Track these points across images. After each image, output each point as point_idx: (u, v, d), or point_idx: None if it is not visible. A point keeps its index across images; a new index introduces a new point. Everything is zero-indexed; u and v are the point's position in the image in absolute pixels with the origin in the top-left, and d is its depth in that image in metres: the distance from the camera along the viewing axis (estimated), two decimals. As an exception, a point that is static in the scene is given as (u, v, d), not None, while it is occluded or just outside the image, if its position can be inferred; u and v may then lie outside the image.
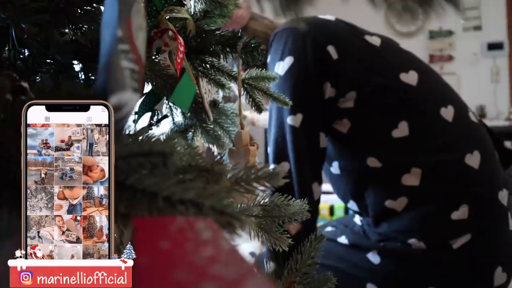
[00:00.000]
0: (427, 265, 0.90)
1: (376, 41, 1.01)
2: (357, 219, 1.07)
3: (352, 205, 1.04)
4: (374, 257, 0.95)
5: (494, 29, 4.24)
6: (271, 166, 0.96)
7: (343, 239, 1.02)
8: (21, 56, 0.45)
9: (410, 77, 0.97)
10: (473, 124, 0.98)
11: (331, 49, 0.96)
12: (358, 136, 0.97)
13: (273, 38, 1.03)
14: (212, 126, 0.80)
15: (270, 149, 1.00)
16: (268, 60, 1.03)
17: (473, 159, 0.92)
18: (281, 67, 0.98)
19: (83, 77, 0.59)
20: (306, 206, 0.53)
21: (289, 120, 0.96)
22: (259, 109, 0.70)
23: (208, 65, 0.67)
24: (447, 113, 0.95)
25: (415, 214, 0.91)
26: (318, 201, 0.99)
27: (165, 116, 0.74)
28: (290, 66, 0.96)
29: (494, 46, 4.23)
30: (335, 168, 1.04)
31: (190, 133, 0.81)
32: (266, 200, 0.50)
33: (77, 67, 0.58)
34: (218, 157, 0.65)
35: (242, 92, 0.68)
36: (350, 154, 1.00)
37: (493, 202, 0.92)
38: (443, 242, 0.89)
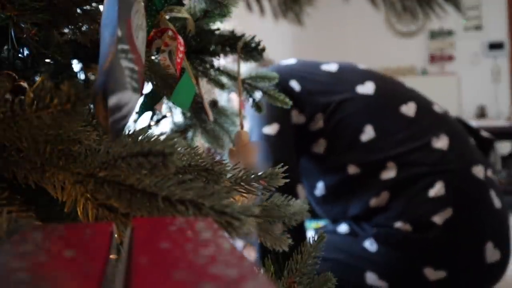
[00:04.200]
0: (420, 246, 0.95)
1: (332, 67, 1.16)
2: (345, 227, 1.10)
3: (341, 215, 1.10)
4: (371, 246, 0.99)
5: (494, 29, 4.24)
6: None
7: (343, 228, 1.05)
8: (20, 55, 0.45)
9: (367, 88, 1.09)
10: (437, 114, 1.08)
11: (293, 83, 1.12)
12: (334, 150, 1.08)
13: None
14: (212, 126, 0.80)
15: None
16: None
17: (441, 142, 1.01)
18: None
19: (82, 77, 0.59)
20: (307, 206, 0.53)
21: (265, 129, 1.07)
22: (259, 109, 0.70)
23: (208, 65, 0.67)
24: (408, 109, 1.06)
25: (397, 201, 0.98)
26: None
27: (165, 116, 0.74)
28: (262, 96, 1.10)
29: (494, 46, 4.23)
30: (320, 189, 1.11)
31: (190, 133, 0.81)
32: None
33: (77, 67, 0.58)
34: (218, 157, 0.65)
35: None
36: (331, 169, 1.09)
37: (467, 175, 0.99)
38: (426, 220, 0.95)
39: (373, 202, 1.00)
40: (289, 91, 1.09)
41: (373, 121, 1.05)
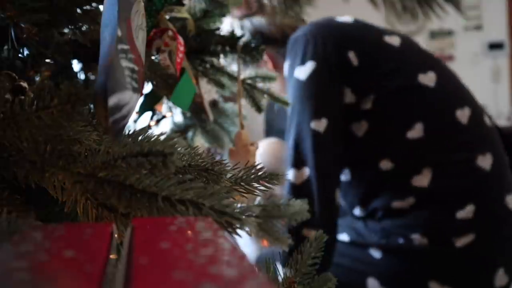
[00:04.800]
0: (429, 261, 0.91)
1: (395, 41, 1.01)
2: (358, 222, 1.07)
3: (358, 211, 1.04)
4: (375, 252, 0.95)
5: (494, 29, 4.24)
6: (291, 171, 0.94)
7: (344, 237, 1.02)
8: (20, 55, 0.45)
9: (428, 78, 0.97)
10: (487, 127, 0.99)
11: (351, 55, 0.96)
12: (373, 138, 0.97)
13: (292, 42, 1.02)
14: (212, 126, 0.80)
15: (289, 153, 0.98)
16: (287, 64, 1.02)
17: (485, 161, 0.93)
18: (302, 72, 0.96)
19: (82, 77, 0.59)
20: (307, 206, 0.53)
21: (312, 125, 0.94)
22: (259, 109, 0.70)
23: (208, 65, 0.67)
24: (463, 114, 0.96)
25: (421, 211, 0.92)
26: (339, 205, 0.99)
27: (165, 116, 0.74)
28: (312, 71, 0.95)
29: (494, 46, 4.23)
30: (345, 174, 1.03)
31: (190, 133, 0.81)
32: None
33: (77, 67, 0.58)
34: (218, 157, 0.65)
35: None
36: (363, 158, 0.99)
37: (500, 205, 0.92)
38: (446, 240, 0.90)
39: (396, 204, 0.94)
40: (345, 64, 0.96)
41: (426, 120, 0.94)
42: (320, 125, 0.93)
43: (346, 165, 1.02)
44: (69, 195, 0.33)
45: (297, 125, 0.96)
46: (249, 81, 0.69)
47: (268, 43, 1.09)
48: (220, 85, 0.69)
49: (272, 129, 2.24)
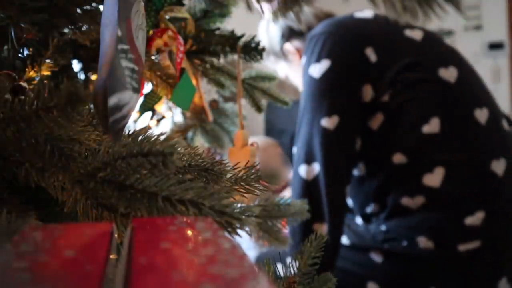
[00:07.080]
0: (431, 265, 0.90)
1: (417, 35, 0.99)
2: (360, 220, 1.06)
3: (371, 209, 1.01)
4: (377, 257, 0.94)
5: (494, 29, 4.24)
6: (302, 167, 0.93)
7: (344, 240, 1.01)
8: (20, 55, 0.45)
9: (449, 73, 0.95)
10: (503, 131, 0.97)
11: (368, 51, 0.95)
12: (388, 130, 0.95)
13: (310, 39, 1.01)
14: (212, 126, 0.80)
15: (299, 149, 0.97)
16: (303, 61, 1.01)
17: (499, 166, 0.91)
18: (317, 69, 0.96)
19: (82, 77, 0.59)
20: (306, 206, 0.53)
21: (323, 122, 0.93)
22: (259, 109, 0.70)
23: (208, 65, 0.67)
24: (481, 115, 0.94)
25: (429, 214, 0.90)
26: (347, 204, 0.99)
27: (165, 116, 0.74)
28: (326, 69, 0.95)
29: (494, 46, 4.23)
30: (359, 169, 1.02)
31: (190, 133, 0.81)
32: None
33: (76, 67, 0.58)
34: (218, 157, 0.65)
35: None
36: (376, 152, 0.98)
37: (510, 213, 0.91)
38: (451, 245, 0.88)
39: (405, 201, 0.92)
40: (363, 61, 0.94)
41: (443, 115, 0.91)
42: (331, 122, 0.92)
43: (360, 160, 1.00)
44: (69, 195, 0.33)
45: (308, 122, 0.95)
46: (249, 81, 0.69)
47: (296, 36, 1.12)
48: (220, 85, 0.69)
49: (272, 129, 2.24)
